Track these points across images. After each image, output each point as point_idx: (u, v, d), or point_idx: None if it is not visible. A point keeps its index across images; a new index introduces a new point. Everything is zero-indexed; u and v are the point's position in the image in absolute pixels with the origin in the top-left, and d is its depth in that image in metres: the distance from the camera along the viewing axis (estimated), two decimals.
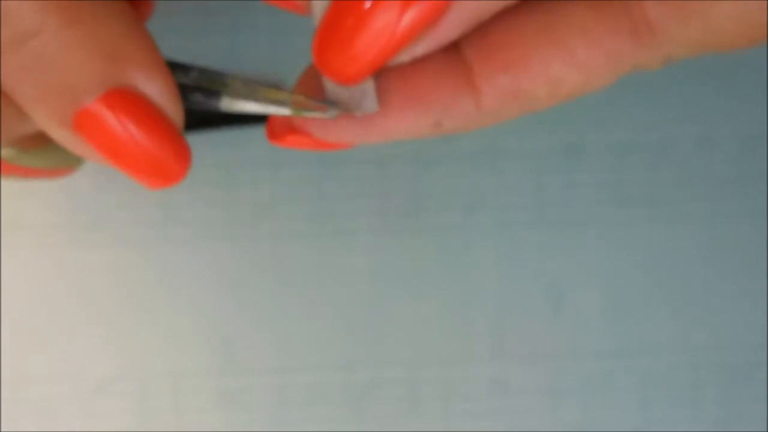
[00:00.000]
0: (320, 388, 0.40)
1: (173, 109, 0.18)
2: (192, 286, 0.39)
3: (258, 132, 0.39)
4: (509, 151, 0.40)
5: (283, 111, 0.19)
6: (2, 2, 0.16)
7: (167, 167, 0.18)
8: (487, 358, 0.41)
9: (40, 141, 0.19)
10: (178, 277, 0.39)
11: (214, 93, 0.19)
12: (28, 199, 0.38)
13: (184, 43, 0.38)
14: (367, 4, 0.17)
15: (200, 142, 0.39)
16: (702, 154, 0.40)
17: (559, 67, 0.19)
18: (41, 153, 0.19)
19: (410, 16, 0.17)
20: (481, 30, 0.19)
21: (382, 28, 0.17)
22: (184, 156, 0.19)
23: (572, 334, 0.41)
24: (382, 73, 0.19)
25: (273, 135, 0.20)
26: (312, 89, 0.19)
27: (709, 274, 0.41)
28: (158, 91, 0.18)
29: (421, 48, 0.18)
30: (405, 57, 0.18)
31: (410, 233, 0.40)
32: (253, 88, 0.19)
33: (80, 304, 0.39)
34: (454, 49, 0.19)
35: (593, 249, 0.40)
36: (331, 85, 0.18)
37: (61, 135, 0.18)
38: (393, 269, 0.40)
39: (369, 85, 0.18)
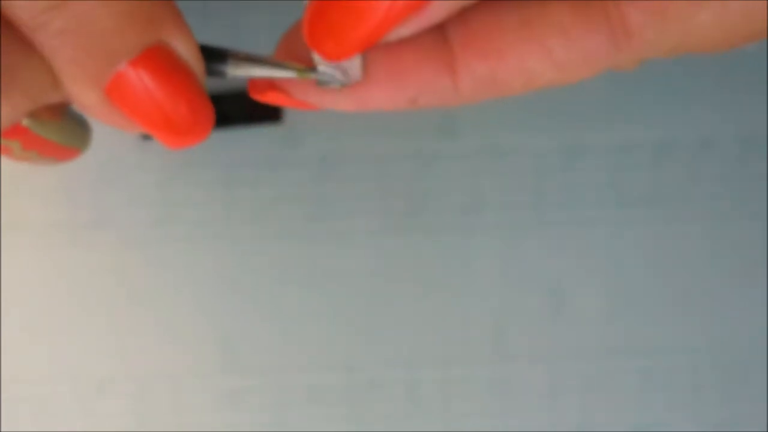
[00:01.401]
0: (320, 388, 0.40)
1: (200, 69, 0.19)
2: (192, 286, 0.39)
3: (258, 132, 0.39)
4: (509, 150, 0.40)
5: (288, 74, 0.19)
6: None
7: (194, 126, 0.19)
8: (488, 358, 0.41)
9: (56, 113, 0.19)
10: (179, 276, 0.39)
11: (222, 57, 0.19)
12: (28, 199, 0.38)
13: None
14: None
15: (200, 142, 0.39)
16: (702, 154, 0.40)
17: (535, 63, 0.19)
18: (55, 126, 0.19)
19: (396, 7, 0.18)
20: (466, 16, 0.19)
21: (372, 11, 0.18)
22: (209, 114, 0.20)
23: (572, 334, 0.41)
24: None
25: (254, 90, 0.21)
26: (292, 55, 0.20)
27: (709, 274, 0.41)
28: (188, 49, 0.19)
29: (407, 30, 0.19)
30: (392, 38, 0.19)
31: (410, 233, 0.40)
32: (255, 56, 0.19)
33: (80, 303, 0.39)
34: (439, 30, 0.19)
35: (593, 249, 0.40)
36: (319, 56, 0.19)
37: (91, 100, 0.19)
38: (393, 269, 0.40)
39: (356, 58, 0.19)
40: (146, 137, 0.38)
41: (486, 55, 0.19)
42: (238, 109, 0.38)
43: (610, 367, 0.41)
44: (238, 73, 0.19)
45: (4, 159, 0.38)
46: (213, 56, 0.19)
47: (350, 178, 0.39)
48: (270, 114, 0.39)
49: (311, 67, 0.19)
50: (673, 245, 0.41)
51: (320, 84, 0.19)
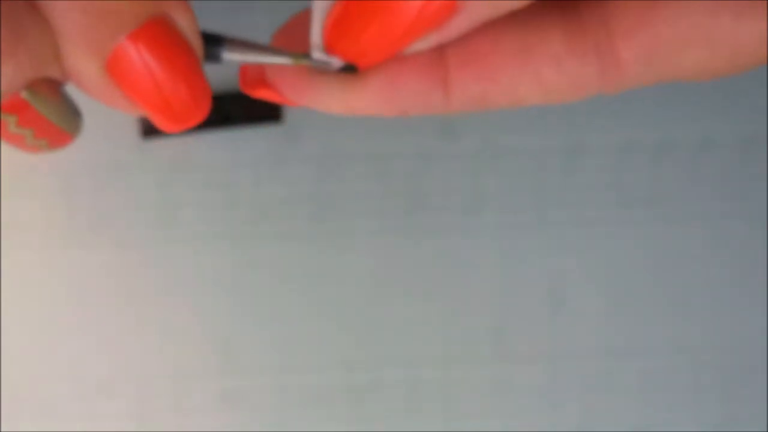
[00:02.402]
0: (320, 388, 0.40)
1: (199, 47, 0.19)
2: (192, 287, 0.39)
3: (258, 132, 0.39)
4: (510, 150, 0.40)
5: (283, 60, 0.19)
6: None
7: (191, 106, 0.19)
8: (488, 358, 0.41)
9: (55, 91, 0.19)
10: (179, 277, 0.39)
11: (217, 41, 0.19)
12: (28, 200, 0.38)
13: None
14: None
15: (200, 141, 0.39)
16: (702, 154, 0.40)
17: (525, 87, 0.20)
18: (53, 104, 0.19)
19: (427, 11, 0.18)
20: (466, 37, 0.20)
21: (397, 23, 0.18)
22: (206, 96, 0.20)
23: (572, 334, 0.41)
24: None
25: (245, 84, 0.21)
26: (288, 46, 0.20)
27: (709, 274, 0.41)
28: (189, 25, 0.19)
29: (427, 43, 0.19)
30: (410, 51, 0.19)
31: (410, 233, 0.40)
32: (250, 42, 0.20)
33: (80, 304, 0.39)
34: (438, 48, 0.20)
35: (593, 249, 0.40)
36: (316, 32, 0.19)
37: (91, 72, 0.19)
38: (393, 269, 0.40)
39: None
40: (146, 137, 0.38)
41: (480, 76, 0.20)
42: (238, 109, 0.38)
43: (610, 367, 0.41)
44: (233, 57, 0.19)
45: (4, 159, 0.38)
46: (209, 40, 0.19)
47: (350, 178, 0.39)
48: (270, 114, 0.39)
49: (305, 54, 0.19)
50: (673, 245, 0.41)
51: (315, 63, 0.19)
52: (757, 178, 0.41)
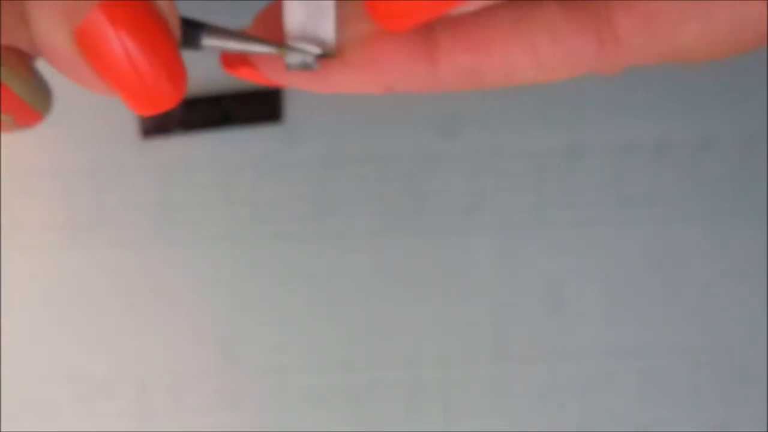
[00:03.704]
0: (320, 388, 0.40)
1: (176, 26, 0.18)
2: (192, 287, 0.39)
3: (258, 132, 0.39)
4: (509, 150, 0.40)
5: (264, 49, 0.19)
6: None
7: (166, 87, 0.18)
8: (488, 358, 0.41)
9: (25, 66, 0.18)
10: (178, 277, 0.39)
11: (198, 26, 0.19)
12: (28, 200, 0.38)
13: None
14: None
15: (200, 142, 0.39)
16: (702, 154, 0.40)
17: (519, 58, 0.19)
18: (23, 80, 0.18)
19: None
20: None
21: None
22: (183, 78, 0.18)
23: (572, 334, 0.41)
24: (346, 32, 0.19)
25: (227, 64, 0.20)
26: (265, 34, 0.20)
27: (709, 274, 0.41)
28: (166, 2, 0.18)
29: (471, 6, 0.18)
30: (459, 11, 0.19)
31: (410, 233, 0.40)
32: (230, 30, 0.19)
33: (80, 304, 0.39)
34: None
35: (593, 249, 0.40)
36: (291, 20, 0.18)
37: (58, 42, 0.18)
38: (393, 269, 0.40)
39: (331, 32, 0.19)
40: (146, 137, 0.38)
41: (472, 47, 0.19)
42: (238, 110, 0.38)
43: (610, 367, 0.41)
44: (212, 44, 0.19)
45: (5, 160, 0.38)
46: (188, 26, 0.18)
47: (350, 178, 0.39)
48: (270, 115, 0.39)
49: (287, 44, 0.19)
50: (673, 245, 0.41)
51: (291, 66, 0.19)
52: (757, 178, 0.41)
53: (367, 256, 0.40)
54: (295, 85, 0.19)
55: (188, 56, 0.38)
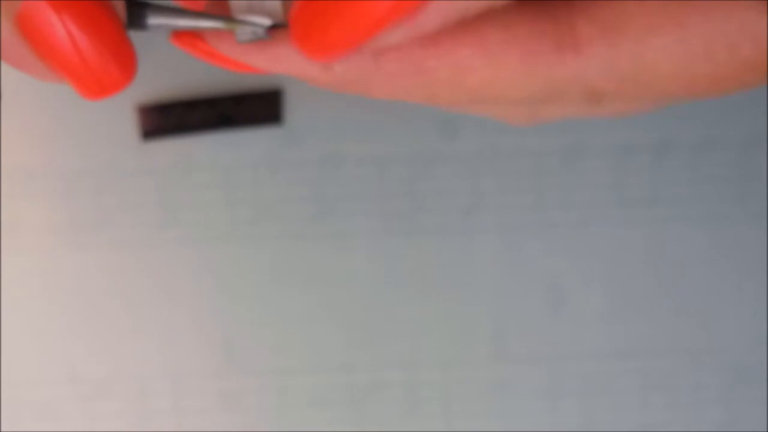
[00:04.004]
0: (320, 389, 0.40)
1: (119, 5, 0.18)
2: (192, 288, 0.39)
3: (258, 133, 0.39)
4: (509, 151, 0.40)
5: (213, 24, 0.18)
6: None
7: (113, 72, 0.18)
8: (487, 359, 0.41)
9: None
10: (178, 278, 0.39)
11: (142, 5, 0.18)
12: (28, 201, 0.38)
13: None
14: None
15: (200, 143, 0.39)
16: (702, 154, 0.40)
17: (468, 53, 0.18)
18: None
19: (393, 6, 0.16)
20: None
21: (363, 17, 0.17)
22: (131, 60, 0.18)
23: (572, 335, 0.41)
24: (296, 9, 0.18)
25: (177, 39, 0.20)
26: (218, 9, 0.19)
27: (709, 274, 0.41)
28: None
29: (395, 37, 0.17)
30: (378, 44, 0.18)
31: (410, 234, 0.40)
32: (177, 7, 0.18)
33: (80, 305, 0.39)
34: None
35: (593, 249, 0.40)
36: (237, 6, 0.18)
37: (3, 34, 0.17)
38: (393, 270, 0.40)
39: (277, 4, 0.18)
40: (146, 138, 0.38)
41: (420, 39, 0.18)
42: (238, 111, 0.38)
43: (611, 367, 0.41)
44: (159, 22, 0.18)
45: (4, 161, 0.38)
46: (132, 5, 0.18)
47: (350, 178, 0.39)
48: (270, 116, 0.39)
49: (236, 18, 0.18)
50: (673, 245, 0.41)
51: (242, 41, 0.18)
52: (757, 178, 0.40)
53: (368, 256, 0.40)
54: (237, 59, 0.19)
55: (188, 58, 0.38)
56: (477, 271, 0.40)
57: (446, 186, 0.40)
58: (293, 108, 0.39)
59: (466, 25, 0.18)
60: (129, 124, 0.38)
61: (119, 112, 0.38)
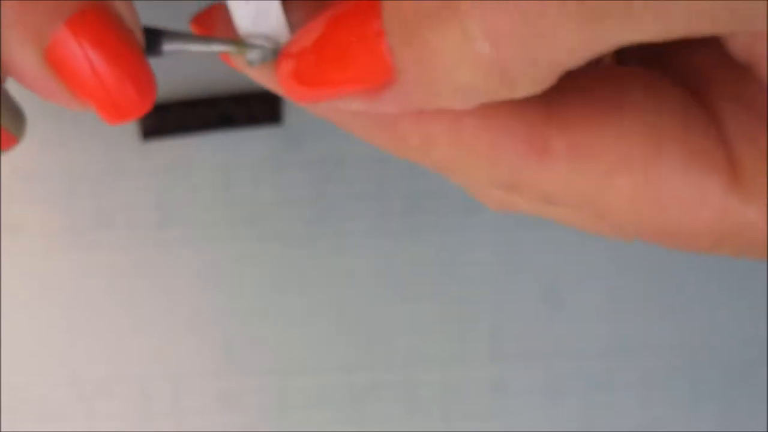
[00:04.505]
0: (320, 390, 0.40)
1: (140, 35, 0.19)
2: (192, 288, 0.39)
3: (258, 134, 0.39)
4: None
5: (227, 48, 0.19)
6: None
7: (134, 98, 0.19)
8: (486, 359, 0.41)
9: None
10: (178, 279, 0.39)
11: (158, 33, 0.19)
12: (28, 202, 0.38)
13: None
14: (355, 37, 0.17)
15: (200, 143, 0.39)
16: None
17: (439, 129, 0.18)
18: None
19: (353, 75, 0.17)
20: None
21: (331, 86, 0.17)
22: (150, 86, 0.19)
23: (571, 334, 0.41)
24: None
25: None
26: (215, 29, 0.20)
27: (708, 273, 0.41)
28: (128, 13, 0.18)
29: (356, 106, 0.18)
30: (342, 106, 0.18)
31: (409, 234, 0.40)
32: (189, 33, 0.19)
33: (80, 305, 0.39)
34: None
35: (592, 249, 0.41)
36: (240, 18, 0.19)
37: (31, 64, 0.18)
38: (392, 270, 0.40)
39: (283, 29, 0.19)
40: (146, 138, 0.38)
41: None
42: (238, 111, 0.38)
43: (609, 366, 0.41)
44: (173, 48, 0.19)
45: (5, 162, 0.38)
46: (148, 33, 0.19)
47: (350, 179, 0.39)
48: (270, 116, 0.39)
49: (245, 42, 0.19)
50: None
51: (253, 62, 0.19)
52: None
53: (367, 256, 0.40)
54: (251, 75, 0.20)
55: (188, 58, 0.38)
56: (476, 270, 0.40)
57: (446, 186, 0.40)
58: (293, 108, 0.39)
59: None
60: (129, 124, 0.38)
61: None
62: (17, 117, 0.19)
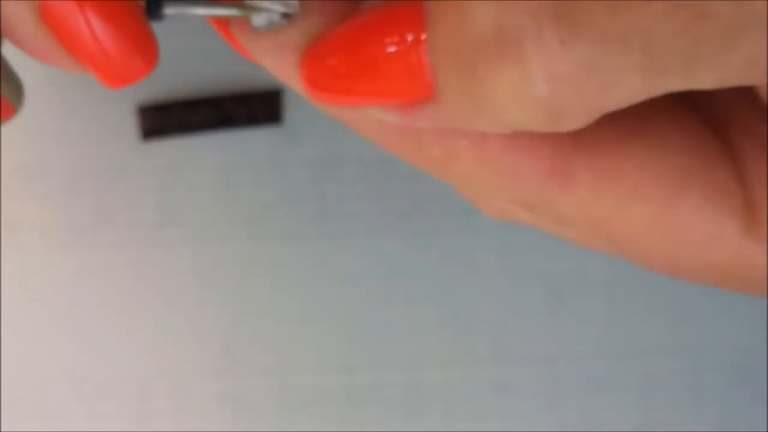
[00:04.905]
0: (320, 390, 0.40)
1: None
2: (192, 288, 0.39)
3: (258, 134, 0.39)
4: None
5: (230, 12, 0.18)
6: None
7: (135, 60, 0.18)
8: (487, 359, 0.41)
9: None
10: (178, 278, 0.39)
11: None
12: (29, 201, 0.38)
13: (185, 44, 0.38)
14: (392, 48, 0.16)
15: (200, 143, 0.39)
16: None
17: (465, 143, 0.18)
18: None
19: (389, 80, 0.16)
20: None
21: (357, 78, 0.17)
22: (152, 49, 0.18)
23: (572, 335, 0.41)
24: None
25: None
26: None
27: None
28: None
29: (389, 118, 0.17)
30: (373, 116, 0.18)
31: (410, 235, 0.40)
32: None
33: (80, 305, 0.39)
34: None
35: (594, 252, 0.40)
36: None
37: (26, 24, 0.17)
38: (393, 271, 0.40)
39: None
40: (146, 138, 0.38)
41: None
42: (238, 111, 0.38)
43: (610, 367, 0.41)
44: (175, 12, 0.18)
45: (5, 161, 0.38)
46: None
47: (350, 179, 0.39)
48: (270, 116, 0.39)
49: (251, 5, 0.18)
50: None
51: (258, 28, 0.18)
52: None
53: (367, 256, 0.40)
54: (253, 52, 0.19)
55: (188, 58, 0.38)
56: (476, 271, 0.40)
57: (447, 187, 0.40)
58: (293, 108, 0.39)
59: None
60: (129, 124, 0.38)
61: (119, 112, 0.38)
62: (16, 86, 0.19)
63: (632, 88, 0.15)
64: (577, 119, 0.16)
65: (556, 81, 0.15)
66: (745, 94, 0.18)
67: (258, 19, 0.18)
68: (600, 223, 0.18)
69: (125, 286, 0.39)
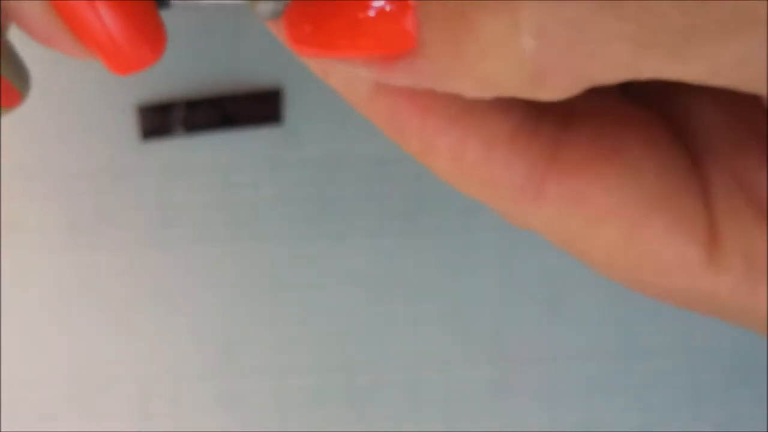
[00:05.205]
0: (320, 390, 0.40)
1: None
2: (192, 288, 0.39)
3: (258, 134, 0.39)
4: None
5: (237, 1, 0.18)
6: None
7: (142, 47, 0.18)
8: (487, 360, 0.41)
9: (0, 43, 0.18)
10: (178, 279, 0.39)
11: None
12: (29, 201, 0.38)
13: (186, 45, 0.38)
14: (372, 12, 0.16)
15: (200, 143, 0.39)
16: None
17: (444, 143, 0.18)
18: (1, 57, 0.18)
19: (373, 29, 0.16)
20: None
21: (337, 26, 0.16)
22: (160, 36, 0.18)
23: (572, 336, 0.41)
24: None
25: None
26: None
27: None
28: None
29: (365, 73, 0.17)
30: (347, 69, 0.18)
31: (410, 235, 0.40)
32: None
33: (80, 305, 0.39)
34: None
35: None
36: None
37: (34, 8, 0.17)
38: (393, 271, 0.40)
39: None
40: (146, 138, 0.38)
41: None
42: (238, 111, 0.38)
43: (610, 367, 0.41)
44: (182, 0, 0.18)
45: (5, 161, 0.38)
46: None
47: (350, 179, 0.39)
48: (271, 116, 0.39)
49: None
50: None
51: (261, 15, 0.18)
52: None
53: (367, 256, 0.40)
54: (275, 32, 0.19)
55: (189, 58, 0.38)
56: (477, 271, 0.40)
57: (446, 186, 0.40)
58: (293, 108, 0.39)
59: (453, 121, 0.18)
60: (129, 124, 0.38)
61: (119, 112, 0.38)
62: (22, 73, 0.19)
63: (619, 59, 0.15)
64: (557, 85, 0.15)
65: (544, 36, 0.15)
66: (726, 119, 0.18)
67: (263, 7, 0.18)
68: (566, 240, 0.18)
69: (125, 286, 0.39)
